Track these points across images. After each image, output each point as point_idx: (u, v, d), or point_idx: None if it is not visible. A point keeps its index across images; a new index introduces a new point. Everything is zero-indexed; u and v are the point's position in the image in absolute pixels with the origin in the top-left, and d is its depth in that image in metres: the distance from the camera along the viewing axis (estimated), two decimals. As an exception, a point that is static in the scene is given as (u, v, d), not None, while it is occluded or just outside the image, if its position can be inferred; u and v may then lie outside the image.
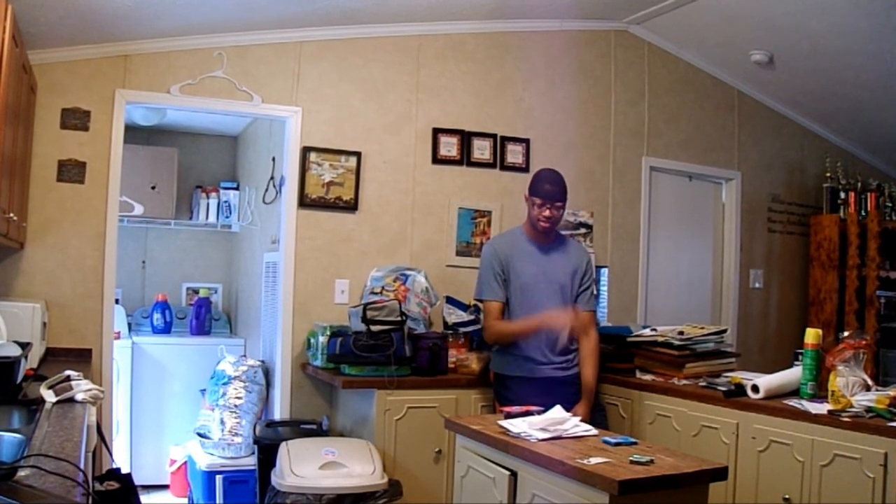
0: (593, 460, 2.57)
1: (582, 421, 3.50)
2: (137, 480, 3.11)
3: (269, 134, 5.40)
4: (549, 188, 3.86)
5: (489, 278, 3.92)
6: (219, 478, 4.74)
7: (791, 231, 6.34)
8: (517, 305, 3.90)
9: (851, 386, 3.06)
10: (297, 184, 4.66)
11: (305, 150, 4.67)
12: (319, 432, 4.35)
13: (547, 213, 3.84)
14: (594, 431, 3.02)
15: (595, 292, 4.15)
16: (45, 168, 4.22)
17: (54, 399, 2.72)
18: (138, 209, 5.85)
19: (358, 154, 4.78)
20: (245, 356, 5.45)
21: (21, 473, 1.70)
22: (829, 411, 3.04)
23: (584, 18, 5.38)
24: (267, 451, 4.16)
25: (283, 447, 3.94)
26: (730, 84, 5.99)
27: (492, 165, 5.12)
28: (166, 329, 5.94)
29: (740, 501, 3.32)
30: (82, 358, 4.13)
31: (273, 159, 5.14)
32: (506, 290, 3.91)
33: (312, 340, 4.47)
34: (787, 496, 3.11)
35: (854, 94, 5.80)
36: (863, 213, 6.14)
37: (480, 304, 4.11)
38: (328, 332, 4.29)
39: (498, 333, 3.93)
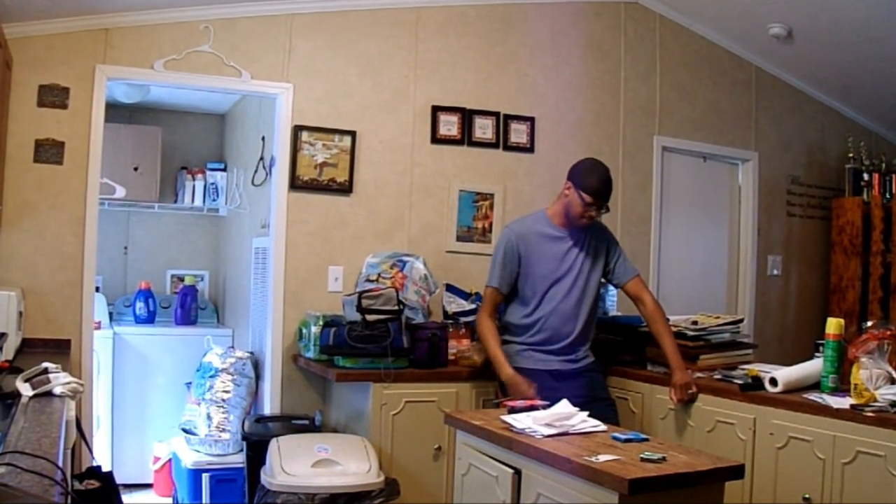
0: (602, 458, 2.57)
1: (686, 385, 3.62)
2: (119, 479, 3.11)
3: (258, 112, 5.37)
4: (603, 189, 3.83)
5: (499, 264, 3.91)
6: (205, 476, 4.74)
7: (811, 215, 6.33)
8: (537, 294, 3.89)
9: (875, 379, 3.06)
10: (289, 165, 4.65)
11: (297, 129, 4.65)
12: (312, 428, 4.35)
13: (594, 213, 3.83)
14: (603, 427, 3.01)
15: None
16: (22, 148, 4.19)
17: (31, 393, 2.72)
18: (120, 192, 5.82)
19: (352, 133, 4.77)
20: (233, 347, 5.45)
21: (-5, 472, 1.70)
22: (852, 406, 3.03)
23: (592, -11, 5.37)
24: (256, 448, 4.16)
25: (273, 444, 3.94)
26: (746, 59, 5.97)
27: (494, 145, 5.11)
28: (150, 319, 5.93)
29: (757, 501, 3.32)
30: (61, 349, 4.11)
31: (263, 139, 5.12)
32: (517, 281, 3.91)
33: (304, 331, 4.46)
34: (807, 495, 3.11)
35: (878, 70, 5.78)
36: (887, 196, 6.12)
37: (485, 290, 4.03)
38: (321, 322, 4.29)
39: (481, 335, 3.99)
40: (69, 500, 1.77)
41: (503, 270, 3.91)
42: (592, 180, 3.82)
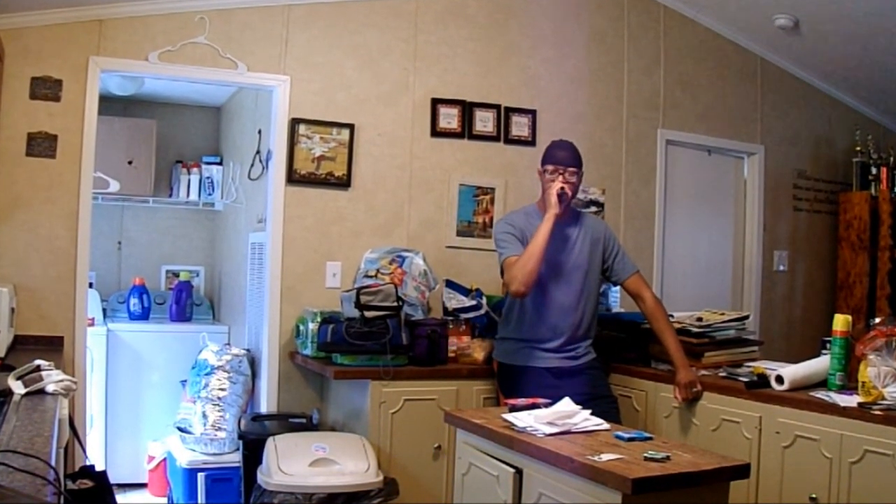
0: (605, 457, 2.57)
1: (690, 384, 3.64)
2: (113, 478, 3.10)
3: (254, 105, 5.37)
4: (561, 154, 3.88)
5: (508, 239, 3.86)
6: (201, 476, 4.73)
7: (818, 209, 6.33)
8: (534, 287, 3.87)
9: (883, 376, 3.05)
10: (286, 158, 4.64)
11: (294, 122, 4.64)
12: (309, 426, 4.35)
13: (562, 181, 3.81)
14: (605, 426, 3.01)
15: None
16: (14, 141, 4.18)
17: (23, 391, 2.71)
18: (114, 186, 5.82)
19: (351, 126, 4.76)
20: (229, 344, 5.44)
21: (-14, 471, 1.69)
22: (860, 404, 3.03)
23: (595, -21, 5.36)
24: (253, 447, 4.16)
25: (270, 443, 3.94)
26: (752, 51, 5.95)
27: (495, 139, 5.10)
28: (144, 315, 5.93)
29: (763, 501, 3.32)
30: (53, 346, 4.11)
31: (259, 132, 5.11)
32: None
33: (302, 327, 4.46)
34: (813, 495, 3.11)
35: (886, 62, 5.77)
36: (895, 190, 6.12)
37: (503, 270, 3.88)
38: (319, 319, 4.28)
39: (521, 267, 3.68)
40: (62, 500, 1.76)
41: (514, 239, 3.84)
42: (549, 151, 3.94)
